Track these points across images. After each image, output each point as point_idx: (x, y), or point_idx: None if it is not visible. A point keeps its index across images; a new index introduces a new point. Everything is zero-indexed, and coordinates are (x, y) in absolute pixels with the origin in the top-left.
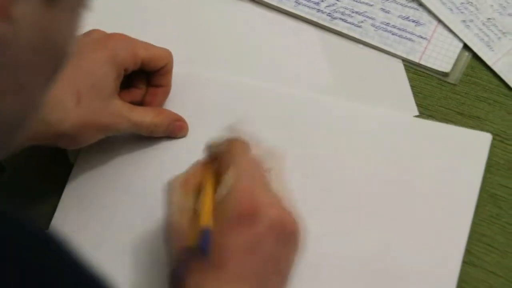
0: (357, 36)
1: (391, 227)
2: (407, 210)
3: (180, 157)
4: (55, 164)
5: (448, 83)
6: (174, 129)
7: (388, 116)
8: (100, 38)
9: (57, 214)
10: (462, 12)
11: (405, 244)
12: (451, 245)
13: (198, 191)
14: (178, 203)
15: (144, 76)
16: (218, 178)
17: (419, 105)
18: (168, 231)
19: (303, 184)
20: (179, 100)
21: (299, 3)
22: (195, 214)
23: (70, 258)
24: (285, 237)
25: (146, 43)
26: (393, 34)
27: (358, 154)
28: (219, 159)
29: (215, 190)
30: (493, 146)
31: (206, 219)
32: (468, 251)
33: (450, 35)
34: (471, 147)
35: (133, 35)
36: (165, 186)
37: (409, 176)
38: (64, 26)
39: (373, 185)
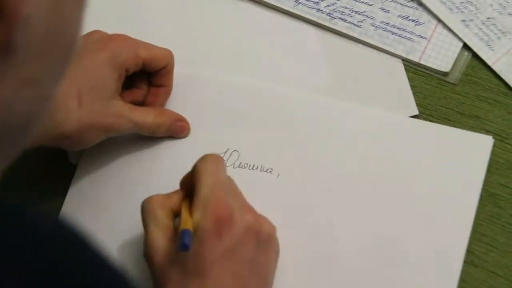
0: (356, 35)
1: (392, 228)
2: (408, 211)
3: (183, 157)
4: (55, 164)
5: (448, 82)
6: (176, 129)
7: (389, 117)
8: (101, 39)
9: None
10: (461, 12)
11: (406, 245)
12: (452, 246)
13: (175, 212)
14: (158, 221)
15: (145, 77)
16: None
17: (419, 104)
18: (148, 248)
19: (303, 184)
20: (180, 100)
21: (298, 3)
22: (175, 231)
23: (91, 250)
24: (262, 240)
25: (147, 43)
26: (392, 33)
27: (358, 155)
28: (191, 177)
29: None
30: (492, 146)
31: (187, 224)
32: (468, 251)
33: (450, 35)
34: (472, 150)
35: (133, 35)
36: (142, 206)
37: (410, 177)
38: (73, 15)
39: (374, 186)
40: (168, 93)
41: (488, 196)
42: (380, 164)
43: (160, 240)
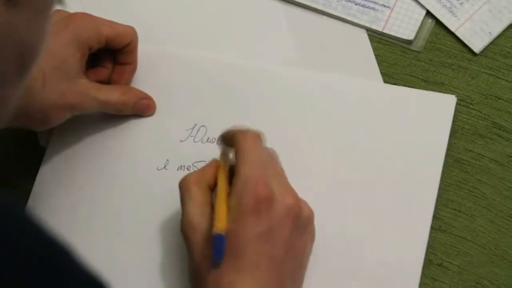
0: (320, 7)
1: (358, 193)
2: (374, 175)
3: (150, 135)
4: (24, 147)
5: (412, 50)
6: (141, 108)
7: (355, 83)
8: (62, 18)
9: (32, 198)
10: None
11: (372, 210)
12: (419, 210)
13: (211, 186)
14: (194, 198)
15: (110, 55)
16: (230, 173)
17: (383, 73)
18: (186, 226)
19: None
20: (145, 77)
21: None
22: (212, 209)
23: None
24: (300, 225)
25: (109, 20)
26: (356, 4)
27: (325, 122)
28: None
29: (228, 184)
30: (457, 111)
31: (220, 224)
32: (435, 217)
33: (413, 3)
34: (436, 110)
35: (96, 13)
36: (179, 185)
37: (376, 141)
38: (29, 25)
39: (341, 151)
40: (133, 71)
41: (454, 161)
42: (347, 130)
43: (197, 216)
